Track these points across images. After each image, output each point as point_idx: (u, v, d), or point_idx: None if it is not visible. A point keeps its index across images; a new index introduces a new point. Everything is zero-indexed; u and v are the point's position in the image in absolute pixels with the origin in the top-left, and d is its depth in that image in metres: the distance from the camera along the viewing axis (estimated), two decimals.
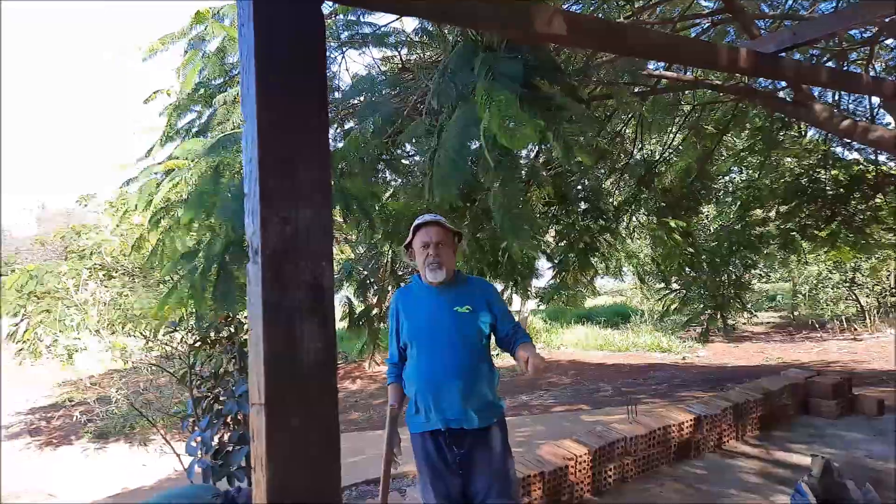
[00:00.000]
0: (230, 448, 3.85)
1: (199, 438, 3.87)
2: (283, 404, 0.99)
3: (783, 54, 1.98)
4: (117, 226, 8.74)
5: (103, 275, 8.58)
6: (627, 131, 7.35)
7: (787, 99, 4.74)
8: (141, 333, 7.83)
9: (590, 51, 4.98)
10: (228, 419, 4.09)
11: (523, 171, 5.91)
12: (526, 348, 2.55)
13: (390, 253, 5.71)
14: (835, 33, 2.14)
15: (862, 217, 6.62)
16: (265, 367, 0.99)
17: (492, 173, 2.49)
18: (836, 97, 6.35)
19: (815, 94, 4.46)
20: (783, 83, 5.52)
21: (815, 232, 6.79)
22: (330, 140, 4.75)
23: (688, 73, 5.80)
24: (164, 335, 6.64)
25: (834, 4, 5.07)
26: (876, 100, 5.94)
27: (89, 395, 10.33)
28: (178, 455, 5.37)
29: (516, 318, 2.92)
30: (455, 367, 2.59)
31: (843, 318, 14.91)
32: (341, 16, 4.50)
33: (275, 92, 1.14)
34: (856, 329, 14.47)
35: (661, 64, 5.99)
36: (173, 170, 4.21)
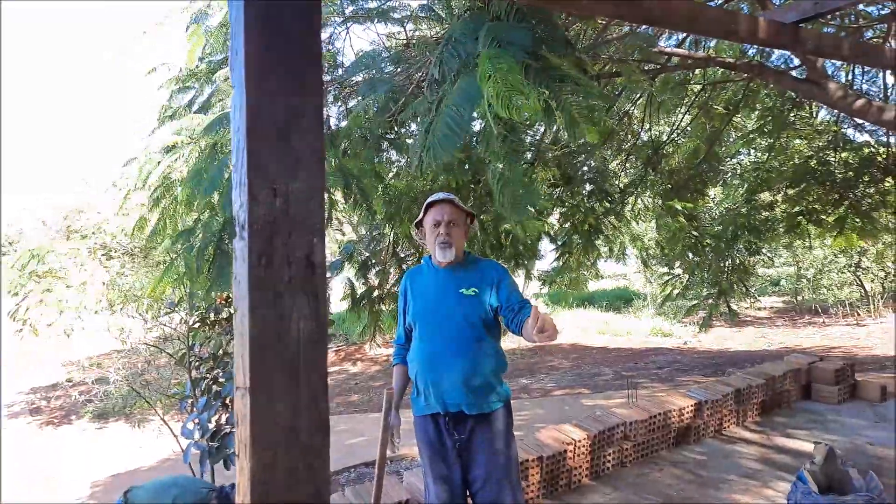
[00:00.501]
0: (227, 430, 3.82)
1: (196, 420, 3.85)
2: (270, 387, 0.93)
3: (803, 25, 1.89)
4: (121, 207, 8.70)
5: (103, 255, 8.55)
6: (635, 111, 7.24)
7: (801, 77, 4.63)
8: (139, 314, 7.81)
9: (600, 25, 4.86)
10: (227, 401, 4.06)
11: (529, 153, 5.83)
12: None
13: (392, 234, 5.64)
14: (858, 3, 2.03)
15: (870, 201, 6.52)
16: (250, 348, 0.92)
17: (493, 147, 2.40)
18: (850, 77, 6.23)
19: (829, 73, 4.36)
20: (795, 62, 5.40)
21: (823, 217, 6.69)
22: (333, 118, 4.68)
23: (699, 52, 5.68)
24: (163, 315, 6.62)
25: None
26: (890, 80, 5.82)
27: (88, 376, 10.35)
28: (175, 437, 5.37)
29: None
30: (456, 349, 2.53)
31: (847, 303, 14.84)
32: None
33: (266, 56, 1.06)
34: (859, 314, 14.41)
35: (672, 42, 5.87)
36: (174, 146, 4.16)
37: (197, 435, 3.86)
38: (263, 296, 0.95)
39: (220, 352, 4.58)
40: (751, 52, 5.83)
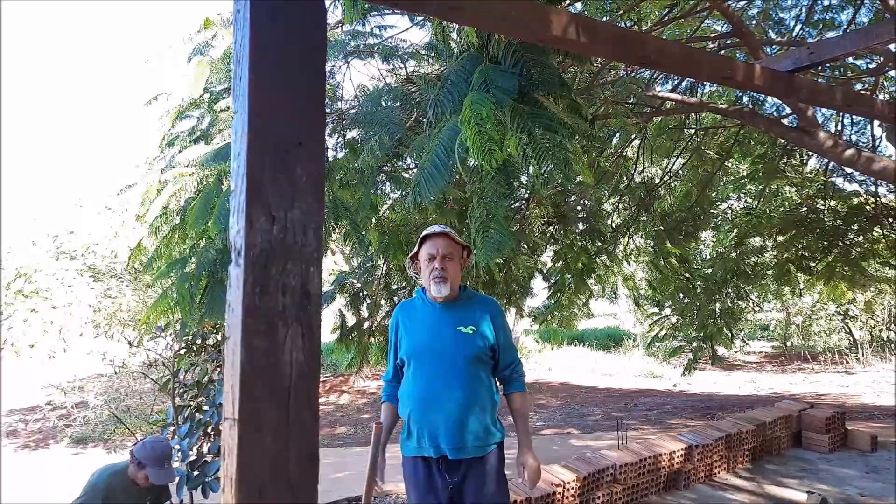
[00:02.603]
0: (207, 458, 3.73)
1: (176, 447, 3.75)
2: (259, 419, 0.90)
3: (797, 74, 1.93)
4: (115, 234, 8.68)
5: (90, 277, 8.48)
6: (629, 153, 7.33)
7: (792, 125, 4.72)
8: (124, 337, 7.71)
9: (596, 68, 4.96)
10: (209, 429, 3.98)
11: (524, 190, 5.87)
12: (521, 421, 2.62)
13: (385, 266, 5.62)
14: (851, 55, 2.08)
15: (859, 250, 6.58)
16: (241, 378, 0.89)
17: (480, 185, 2.43)
18: (840, 127, 6.36)
19: (819, 122, 4.45)
20: (787, 110, 5.51)
21: (812, 264, 6.74)
22: (331, 150, 4.71)
23: (693, 98, 5.79)
24: (149, 341, 6.53)
25: (841, 33, 5.11)
26: (878, 131, 5.95)
27: (68, 400, 10.13)
28: None
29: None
30: (454, 391, 2.44)
31: (836, 350, 14.86)
32: (347, 26, 4.46)
33: (269, 83, 1.06)
34: (848, 362, 14.41)
35: (668, 87, 5.99)
36: (177, 176, 4.13)
37: (176, 462, 3.76)
38: (257, 324, 0.93)
39: (206, 379, 4.50)
40: (744, 99, 5.95)
